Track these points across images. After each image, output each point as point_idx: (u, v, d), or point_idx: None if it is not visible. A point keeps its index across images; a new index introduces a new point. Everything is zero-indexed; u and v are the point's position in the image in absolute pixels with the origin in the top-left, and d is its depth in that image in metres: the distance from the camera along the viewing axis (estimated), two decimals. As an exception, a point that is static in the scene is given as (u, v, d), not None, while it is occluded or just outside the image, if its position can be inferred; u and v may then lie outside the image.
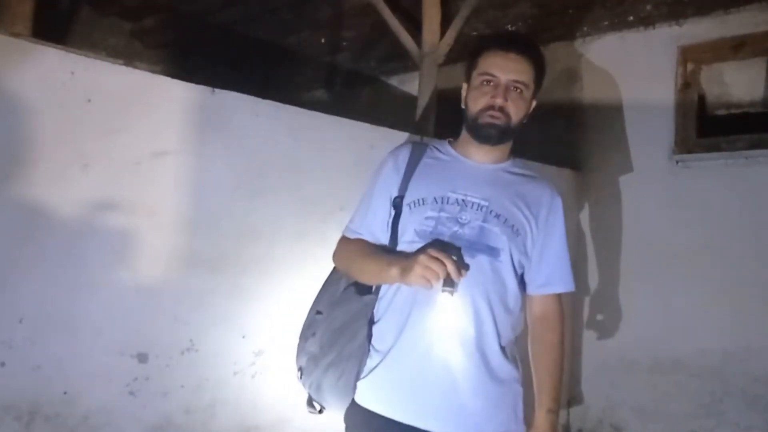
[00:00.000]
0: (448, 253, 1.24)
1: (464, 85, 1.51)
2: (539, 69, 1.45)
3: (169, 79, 1.76)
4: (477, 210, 1.38)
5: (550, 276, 1.47)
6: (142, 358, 1.68)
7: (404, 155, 1.49)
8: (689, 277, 2.85)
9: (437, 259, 1.22)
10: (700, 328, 2.80)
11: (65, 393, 1.55)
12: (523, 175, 1.51)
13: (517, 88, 1.40)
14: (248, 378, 1.90)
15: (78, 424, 1.56)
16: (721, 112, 2.98)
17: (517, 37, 1.51)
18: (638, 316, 2.99)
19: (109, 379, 1.63)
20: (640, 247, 3.03)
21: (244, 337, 1.89)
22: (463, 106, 1.50)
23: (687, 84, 2.98)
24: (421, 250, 1.27)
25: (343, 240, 1.51)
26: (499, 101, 1.39)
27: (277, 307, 1.90)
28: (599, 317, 3.14)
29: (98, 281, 1.60)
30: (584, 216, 3.26)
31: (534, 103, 1.48)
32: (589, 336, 3.16)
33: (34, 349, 1.50)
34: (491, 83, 1.40)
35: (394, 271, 1.29)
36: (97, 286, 1.60)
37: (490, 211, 1.38)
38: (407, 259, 1.28)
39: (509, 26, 3.31)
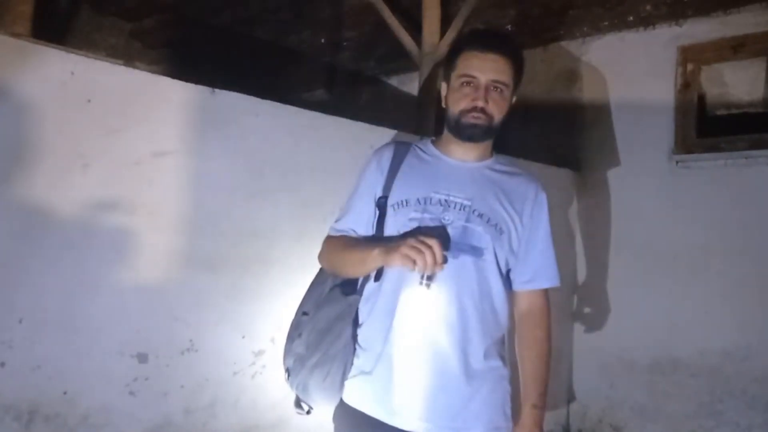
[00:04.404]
0: (436, 240, 1.23)
1: (443, 85, 1.50)
2: (518, 67, 1.44)
3: (169, 79, 1.76)
4: (460, 210, 1.38)
5: (536, 272, 1.47)
6: (142, 358, 1.68)
7: (387, 155, 1.49)
8: (689, 277, 2.86)
9: (424, 244, 1.21)
10: (700, 328, 2.80)
11: (65, 393, 1.54)
12: (506, 171, 1.50)
13: (497, 88, 1.40)
14: (248, 378, 1.90)
15: (78, 424, 1.56)
16: (721, 112, 2.99)
17: (495, 35, 1.49)
18: (638, 316, 2.99)
19: (109, 379, 1.62)
20: (640, 247, 3.03)
21: (244, 337, 1.89)
22: (444, 106, 1.50)
23: (687, 84, 2.99)
24: (411, 234, 1.27)
25: (328, 239, 1.51)
26: (480, 103, 1.38)
27: (277, 307, 1.90)
28: (598, 317, 3.14)
29: (98, 281, 1.60)
30: (584, 216, 3.26)
31: (513, 100, 1.47)
32: (588, 336, 3.16)
33: (34, 349, 1.50)
34: (471, 84, 1.40)
35: (376, 252, 1.29)
36: (97, 286, 1.60)
37: (473, 211, 1.38)
38: (393, 241, 1.29)
39: (509, 26, 3.31)
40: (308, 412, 1.47)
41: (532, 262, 1.46)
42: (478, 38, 1.44)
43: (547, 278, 1.49)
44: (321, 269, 1.54)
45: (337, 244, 1.46)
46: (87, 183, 1.58)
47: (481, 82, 1.39)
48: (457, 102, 1.42)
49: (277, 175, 1.97)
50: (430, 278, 1.24)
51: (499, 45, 1.41)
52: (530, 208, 1.46)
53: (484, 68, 1.39)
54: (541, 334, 1.48)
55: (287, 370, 1.47)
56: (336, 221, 1.51)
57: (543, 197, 1.50)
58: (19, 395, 1.48)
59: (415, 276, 1.28)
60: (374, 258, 1.30)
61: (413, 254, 1.20)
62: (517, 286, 1.48)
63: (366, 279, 1.44)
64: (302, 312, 1.49)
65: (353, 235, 1.46)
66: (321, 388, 1.41)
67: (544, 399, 1.45)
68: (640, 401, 2.97)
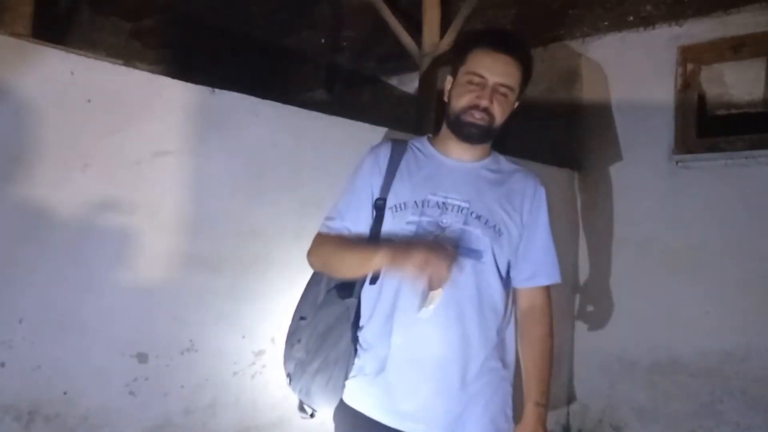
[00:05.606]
0: (449, 254, 1.23)
1: (448, 78, 1.48)
2: (526, 71, 1.42)
3: (169, 79, 1.76)
4: (458, 212, 1.37)
5: (536, 269, 1.46)
6: (142, 358, 1.68)
7: (384, 154, 1.46)
8: (689, 277, 2.86)
9: (439, 262, 1.19)
10: (700, 328, 2.80)
11: (65, 393, 1.54)
12: (504, 170, 1.49)
13: (503, 91, 1.38)
14: (248, 378, 1.90)
15: (78, 424, 1.56)
16: (721, 112, 2.99)
17: (508, 36, 1.46)
18: (638, 316, 2.99)
19: (109, 379, 1.62)
20: (640, 247, 3.03)
21: (244, 337, 1.89)
22: (446, 99, 1.48)
23: (687, 84, 2.99)
24: (426, 245, 1.24)
25: (320, 236, 1.47)
26: (484, 102, 1.37)
27: (277, 307, 1.90)
28: (600, 316, 3.14)
29: (98, 281, 1.60)
30: (584, 216, 3.26)
31: (516, 104, 1.45)
32: (588, 336, 3.16)
33: (34, 349, 1.49)
34: (478, 83, 1.38)
35: (381, 253, 1.26)
36: (97, 286, 1.60)
37: (471, 213, 1.37)
38: (402, 244, 1.27)
39: (509, 26, 3.31)
40: (312, 416, 1.47)
41: (532, 258, 1.45)
42: (492, 37, 1.42)
43: (548, 275, 1.48)
44: (314, 273, 1.51)
45: (331, 242, 1.43)
46: (87, 183, 1.57)
47: (488, 82, 1.37)
48: (460, 97, 1.40)
49: (277, 175, 1.97)
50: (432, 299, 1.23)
51: (511, 47, 1.39)
52: (529, 204, 1.45)
53: (494, 69, 1.37)
54: (542, 331, 1.47)
55: (288, 375, 1.47)
56: (329, 219, 1.46)
57: (542, 193, 1.48)
58: (19, 395, 1.47)
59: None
60: (380, 259, 1.27)
61: (430, 270, 1.19)
62: (518, 283, 1.47)
63: (363, 281, 1.42)
64: (300, 317, 1.47)
65: (347, 234, 1.43)
66: (324, 392, 1.41)
67: (547, 397, 1.44)
68: (640, 401, 2.97)
